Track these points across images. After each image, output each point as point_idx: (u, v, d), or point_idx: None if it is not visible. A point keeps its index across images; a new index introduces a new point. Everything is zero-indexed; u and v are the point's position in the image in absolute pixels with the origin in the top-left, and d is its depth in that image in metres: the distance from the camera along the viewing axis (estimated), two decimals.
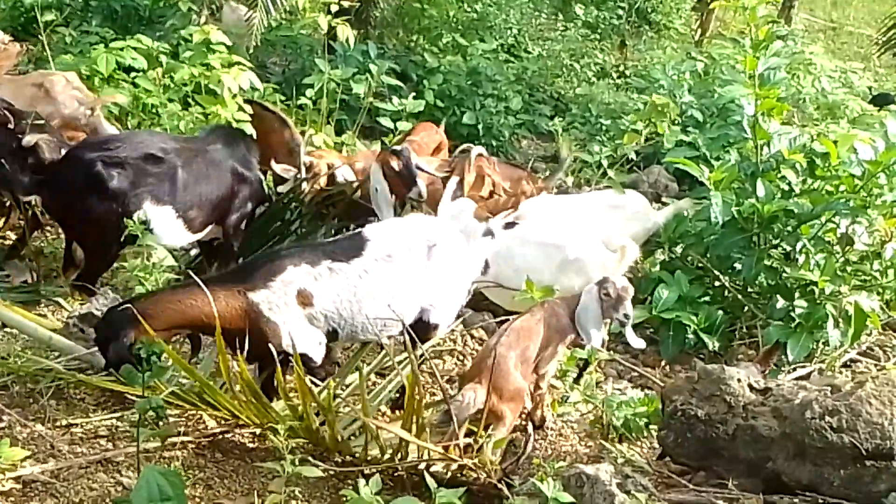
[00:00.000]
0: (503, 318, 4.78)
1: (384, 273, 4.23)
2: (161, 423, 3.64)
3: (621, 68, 11.30)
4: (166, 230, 4.89)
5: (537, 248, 5.18)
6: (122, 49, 6.78)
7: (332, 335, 4.20)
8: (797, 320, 5.33)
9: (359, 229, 4.60)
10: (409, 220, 4.85)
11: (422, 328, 4.34)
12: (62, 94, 5.74)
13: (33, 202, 4.96)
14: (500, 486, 3.64)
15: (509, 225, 5.35)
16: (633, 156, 7.69)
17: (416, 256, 4.34)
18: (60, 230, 5.57)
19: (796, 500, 3.88)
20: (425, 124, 7.01)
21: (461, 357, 5.17)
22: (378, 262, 4.23)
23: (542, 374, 4.32)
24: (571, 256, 5.14)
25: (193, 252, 5.70)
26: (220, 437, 4.06)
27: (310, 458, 3.72)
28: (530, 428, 4.24)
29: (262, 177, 5.53)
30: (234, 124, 6.16)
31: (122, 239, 4.76)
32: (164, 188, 4.89)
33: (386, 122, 7.82)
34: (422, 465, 3.70)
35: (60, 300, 5.06)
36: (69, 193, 4.79)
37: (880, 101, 10.30)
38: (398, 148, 5.62)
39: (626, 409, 4.56)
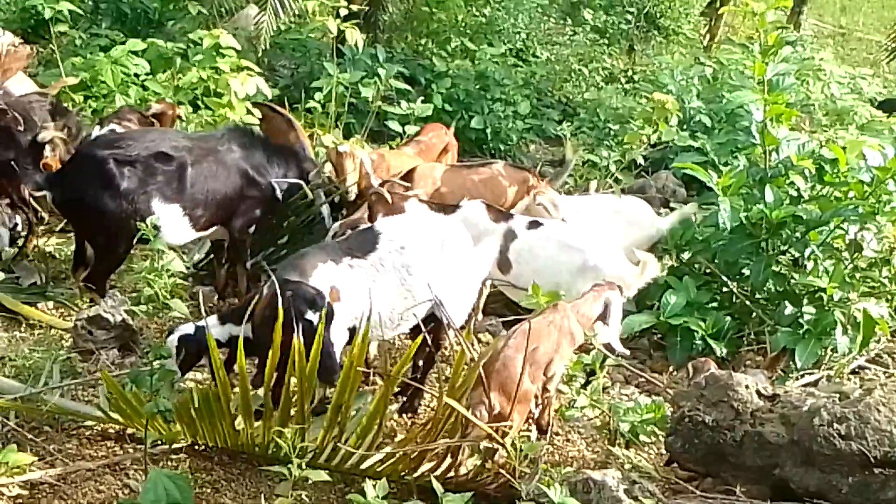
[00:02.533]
0: (511, 318, 4.76)
1: (398, 270, 4.21)
2: (169, 427, 3.66)
3: (630, 73, 11.28)
4: (172, 227, 4.89)
5: (559, 249, 5.17)
6: (124, 56, 6.82)
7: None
8: (805, 327, 5.31)
9: (370, 225, 4.60)
10: (420, 218, 4.83)
11: (433, 327, 4.34)
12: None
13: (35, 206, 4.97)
14: (518, 487, 3.61)
15: (533, 224, 5.33)
16: (641, 161, 7.68)
17: (428, 254, 4.32)
18: (69, 233, 5.59)
19: None
20: (434, 125, 7.01)
21: (468, 362, 5.14)
22: (392, 254, 4.21)
23: (550, 375, 4.29)
24: (591, 262, 5.13)
25: (197, 256, 5.72)
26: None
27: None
28: (534, 433, 4.23)
29: (277, 185, 5.39)
30: None
31: (132, 238, 4.78)
32: (172, 186, 4.90)
33: (394, 125, 7.84)
34: (425, 468, 3.69)
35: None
36: (80, 190, 4.80)
37: (887, 106, 10.28)
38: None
39: (634, 415, 4.55)
